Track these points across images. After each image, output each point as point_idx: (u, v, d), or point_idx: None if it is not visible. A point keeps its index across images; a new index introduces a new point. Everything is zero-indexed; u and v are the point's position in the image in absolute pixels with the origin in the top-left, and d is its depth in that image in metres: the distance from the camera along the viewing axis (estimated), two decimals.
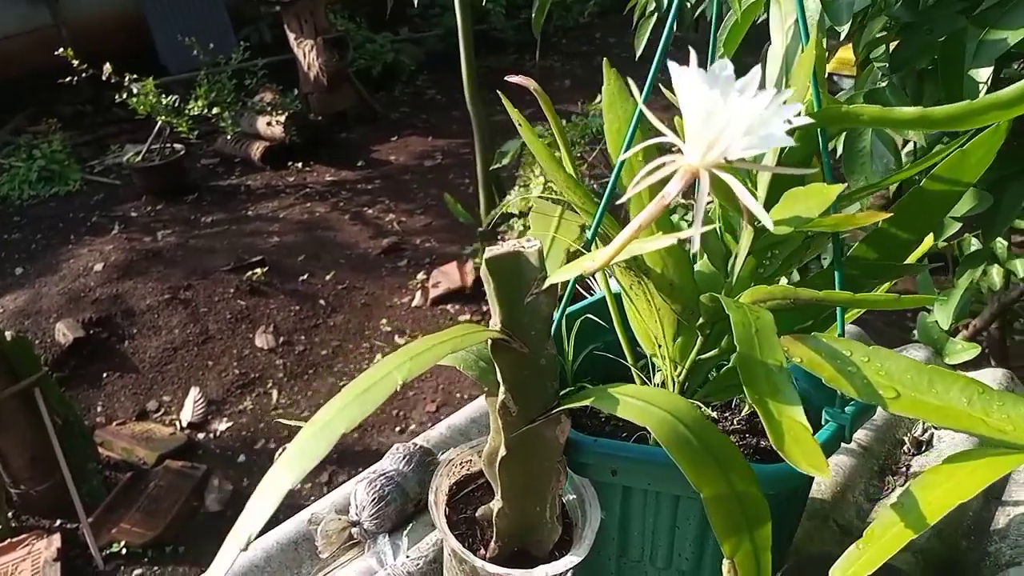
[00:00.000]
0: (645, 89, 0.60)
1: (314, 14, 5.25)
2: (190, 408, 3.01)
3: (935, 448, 1.11)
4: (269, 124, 4.97)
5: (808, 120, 0.41)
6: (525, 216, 2.93)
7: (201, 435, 2.94)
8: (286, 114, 4.94)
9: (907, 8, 0.97)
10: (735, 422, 0.77)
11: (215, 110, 4.61)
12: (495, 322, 0.56)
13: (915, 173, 0.64)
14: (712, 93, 0.39)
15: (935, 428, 1.13)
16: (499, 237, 3.23)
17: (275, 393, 3.11)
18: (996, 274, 1.57)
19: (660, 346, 0.71)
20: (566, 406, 0.61)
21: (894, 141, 1.00)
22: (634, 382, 0.76)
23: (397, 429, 2.87)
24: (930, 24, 0.93)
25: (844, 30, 0.87)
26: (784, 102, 0.42)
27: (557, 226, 0.68)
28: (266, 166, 4.96)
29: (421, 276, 3.69)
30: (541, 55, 5.66)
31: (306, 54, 5.36)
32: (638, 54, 2.39)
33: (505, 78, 0.79)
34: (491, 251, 0.54)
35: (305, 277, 3.76)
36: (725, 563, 0.52)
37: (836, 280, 0.64)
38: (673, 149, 0.46)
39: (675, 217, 2.15)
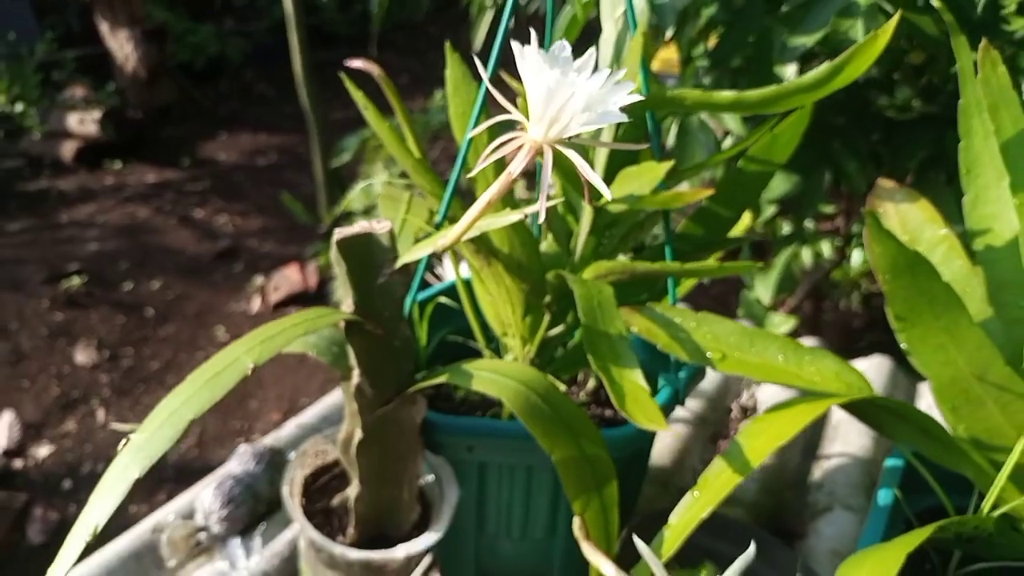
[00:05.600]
0: (489, 68, 0.62)
1: (129, 2, 4.91)
2: (5, 434, 2.74)
3: (759, 413, 1.22)
4: (82, 122, 4.59)
5: (639, 98, 0.44)
6: (369, 214, 2.88)
7: (19, 462, 2.69)
8: (102, 110, 4.60)
9: (722, 9, 1.05)
10: (581, 395, 0.81)
11: (19, 106, 4.21)
12: (347, 304, 0.56)
13: (733, 155, 0.70)
14: (552, 72, 0.42)
15: (757, 386, 1.23)
16: None
17: (101, 412, 2.90)
18: (806, 254, 1.74)
19: (510, 326, 0.73)
20: (421, 385, 0.62)
21: (715, 135, 1.08)
22: None
23: (240, 442, 2.75)
24: (742, 24, 1.01)
25: (669, 32, 0.94)
26: (617, 82, 0.46)
27: (407, 209, 0.69)
28: (80, 167, 4.58)
29: (260, 280, 3.55)
30: (378, 51, 5.58)
31: (122, 46, 5.00)
32: (477, 47, 2.43)
33: (344, 63, 0.78)
34: (341, 232, 0.54)
35: (130, 286, 3.52)
36: (576, 520, 0.55)
37: (667, 254, 0.69)
38: (518, 127, 0.48)
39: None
